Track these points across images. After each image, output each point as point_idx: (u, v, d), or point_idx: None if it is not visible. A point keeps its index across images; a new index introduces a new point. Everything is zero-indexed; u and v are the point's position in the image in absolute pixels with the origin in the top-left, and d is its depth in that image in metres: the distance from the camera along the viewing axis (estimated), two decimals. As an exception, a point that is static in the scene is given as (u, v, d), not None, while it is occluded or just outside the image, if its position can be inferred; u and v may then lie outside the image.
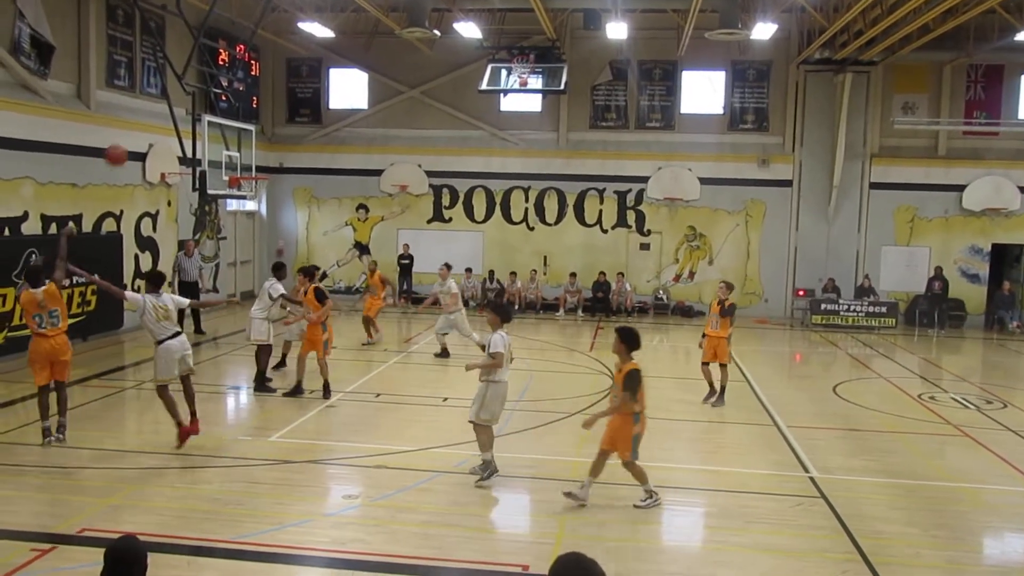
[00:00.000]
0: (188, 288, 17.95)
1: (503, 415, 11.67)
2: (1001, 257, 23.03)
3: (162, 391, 9.71)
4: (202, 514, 7.68)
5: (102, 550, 3.74)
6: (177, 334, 9.86)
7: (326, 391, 12.28)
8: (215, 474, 8.88)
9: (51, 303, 9.64)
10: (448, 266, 16.86)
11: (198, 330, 17.87)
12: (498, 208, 24.18)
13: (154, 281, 10.13)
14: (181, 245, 19.02)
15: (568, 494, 8.19)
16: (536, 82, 20.33)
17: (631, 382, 7.99)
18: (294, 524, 7.55)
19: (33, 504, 7.87)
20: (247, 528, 7.41)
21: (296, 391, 12.29)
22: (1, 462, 9.01)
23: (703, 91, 23.46)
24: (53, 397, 9.79)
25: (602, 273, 22.99)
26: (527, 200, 24.06)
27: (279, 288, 12.59)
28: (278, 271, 13.09)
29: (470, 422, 8.81)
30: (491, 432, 8.87)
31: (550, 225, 24.04)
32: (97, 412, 11.38)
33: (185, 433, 9.72)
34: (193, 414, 9.87)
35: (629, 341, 8.15)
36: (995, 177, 22.17)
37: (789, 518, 8.08)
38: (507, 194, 24.09)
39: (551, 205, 23.99)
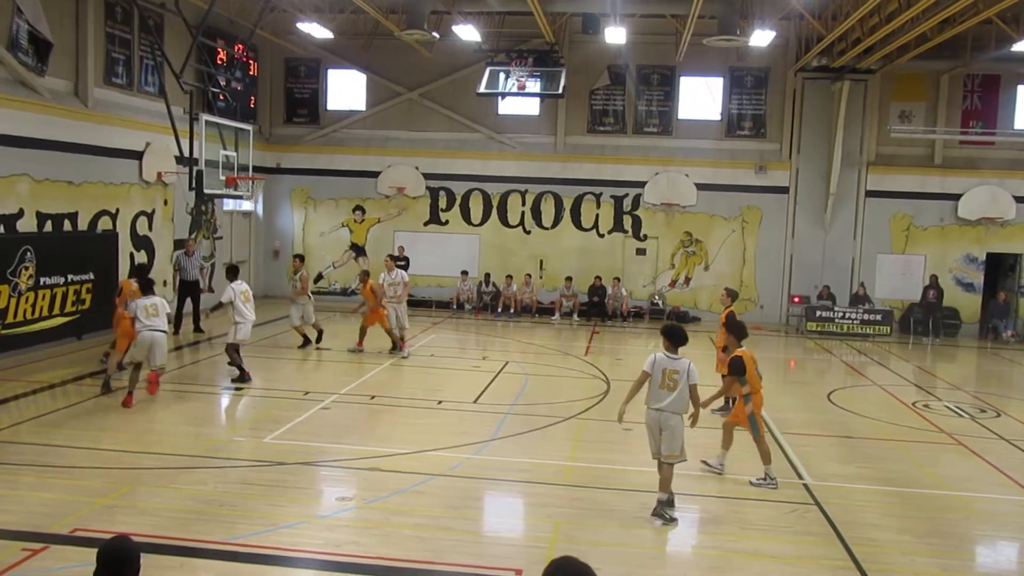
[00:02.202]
0: (188, 287, 17.92)
1: (499, 420, 11.68)
2: (996, 266, 23.09)
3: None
4: (196, 515, 7.66)
5: (95, 550, 3.72)
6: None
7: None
8: (209, 475, 8.85)
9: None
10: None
11: (196, 329, 17.82)
12: (495, 211, 24.17)
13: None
14: (181, 244, 18.97)
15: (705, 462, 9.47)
16: (534, 86, 20.33)
17: (734, 367, 9.19)
18: (288, 526, 7.53)
19: (26, 503, 7.83)
20: (240, 529, 7.39)
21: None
22: (-6, 460, 8.98)
23: (701, 97, 23.48)
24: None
25: (598, 277, 23.00)
26: (524, 203, 24.07)
27: None
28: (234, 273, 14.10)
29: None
30: (661, 467, 8.08)
31: (546, 229, 24.04)
32: (91, 411, 11.34)
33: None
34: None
35: (735, 331, 9.79)
36: (991, 186, 22.24)
37: (783, 525, 8.08)
38: (504, 197, 24.10)
39: (548, 209, 24.00)
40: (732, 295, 12.78)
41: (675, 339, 8.02)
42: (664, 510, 7.99)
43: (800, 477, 9.59)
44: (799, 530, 7.96)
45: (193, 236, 20.30)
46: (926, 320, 21.88)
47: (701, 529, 8.23)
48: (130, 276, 12.37)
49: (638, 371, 8.01)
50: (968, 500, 9.17)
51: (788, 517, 8.27)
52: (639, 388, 8.05)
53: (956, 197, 22.41)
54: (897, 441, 11.44)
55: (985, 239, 22.58)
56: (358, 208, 24.55)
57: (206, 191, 16.16)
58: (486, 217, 24.21)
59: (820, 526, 8.07)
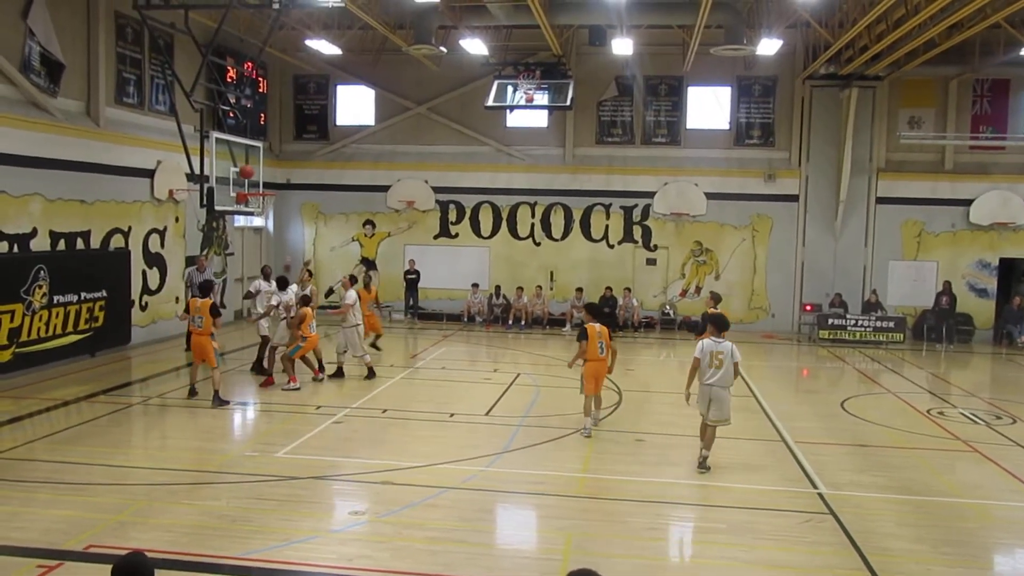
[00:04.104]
0: None
1: (510, 432, 11.69)
2: (1009, 271, 22.95)
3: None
4: (209, 530, 7.68)
5: (109, 567, 3.74)
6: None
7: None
8: (223, 490, 8.87)
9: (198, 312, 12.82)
10: (352, 278, 16.22)
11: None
12: (504, 223, 24.22)
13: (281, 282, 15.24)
14: (192, 261, 19.07)
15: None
16: (542, 98, 20.43)
17: (580, 333, 11.56)
18: (301, 540, 7.54)
19: (40, 520, 7.87)
20: (254, 544, 7.40)
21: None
22: (9, 478, 9.04)
23: (709, 106, 23.52)
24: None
25: (608, 288, 22.97)
26: (533, 215, 24.11)
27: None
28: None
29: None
30: (707, 429, 9.85)
31: (556, 240, 24.07)
32: (104, 428, 11.40)
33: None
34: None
35: (590, 312, 11.87)
36: (1002, 191, 22.14)
37: (797, 534, 8.03)
38: (513, 209, 24.15)
39: (557, 220, 24.03)
40: (716, 298, 14.12)
41: (719, 326, 9.81)
42: (706, 462, 9.78)
43: (814, 486, 9.53)
44: (813, 540, 7.90)
45: (205, 253, 20.41)
46: (939, 326, 21.74)
47: (715, 539, 8.17)
48: (200, 296, 13.22)
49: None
50: (985, 508, 9.09)
51: (802, 527, 8.22)
52: (695, 372, 9.71)
53: (967, 202, 22.32)
54: (912, 449, 11.36)
55: (998, 244, 22.45)
56: (368, 222, 24.65)
57: (217, 208, 16.27)
58: (496, 229, 24.26)
59: (835, 535, 8.01)
